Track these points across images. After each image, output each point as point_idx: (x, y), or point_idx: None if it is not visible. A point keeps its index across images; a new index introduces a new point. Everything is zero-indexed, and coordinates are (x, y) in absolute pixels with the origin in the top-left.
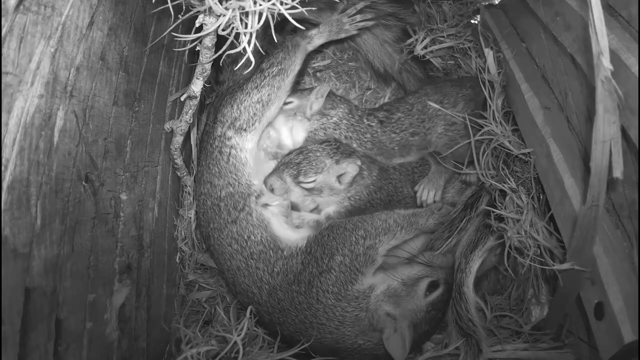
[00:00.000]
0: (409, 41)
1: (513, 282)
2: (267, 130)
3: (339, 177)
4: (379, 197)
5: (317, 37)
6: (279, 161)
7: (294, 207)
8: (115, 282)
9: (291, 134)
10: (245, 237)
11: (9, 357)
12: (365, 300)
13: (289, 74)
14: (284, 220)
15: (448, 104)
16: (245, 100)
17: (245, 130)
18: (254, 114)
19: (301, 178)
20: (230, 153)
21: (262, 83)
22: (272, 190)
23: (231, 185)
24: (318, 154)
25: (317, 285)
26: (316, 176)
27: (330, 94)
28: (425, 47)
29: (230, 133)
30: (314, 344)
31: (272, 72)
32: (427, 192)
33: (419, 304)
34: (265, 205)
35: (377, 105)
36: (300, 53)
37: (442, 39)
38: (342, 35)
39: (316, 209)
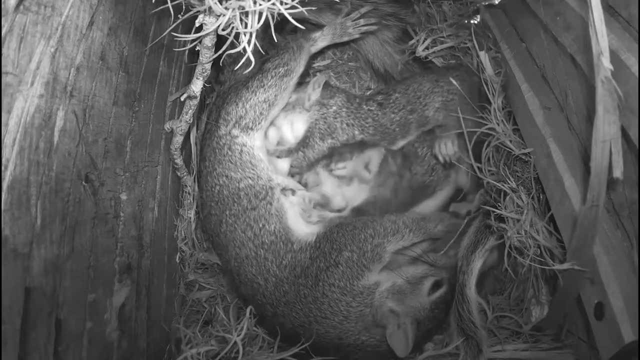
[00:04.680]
0: (411, 42)
1: (513, 282)
2: (270, 128)
3: (366, 165)
4: (404, 184)
5: (321, 40)
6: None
7: (322, 203)
8: (115, 282)
9: (292, 128)
10: (260, 226)
11: (9, 357)
12: (370, 296)
13: (293, 75)
14: (300, 213)
15: (444, 83)
16: (251, 99)
17: (251, 129)
18: (260, 113)
19: (332, 165)
20: (242, 150)
21: (269, 83)
22: (305, 185)
23: (250, 178)
24: (345, 147)
25: (323, 279)
26: (346, 162)
27: (327, 85)
28: (426, 48)
29: (236, 132)
30: (317, 340)
31: (279, 72)
32: (444, 145)
33: (422, 302)
34: (290, 191)
35: (372, 92)
36: (304, 55)
37: (442, 39)
38: (346, 39)
39: (344, 209)
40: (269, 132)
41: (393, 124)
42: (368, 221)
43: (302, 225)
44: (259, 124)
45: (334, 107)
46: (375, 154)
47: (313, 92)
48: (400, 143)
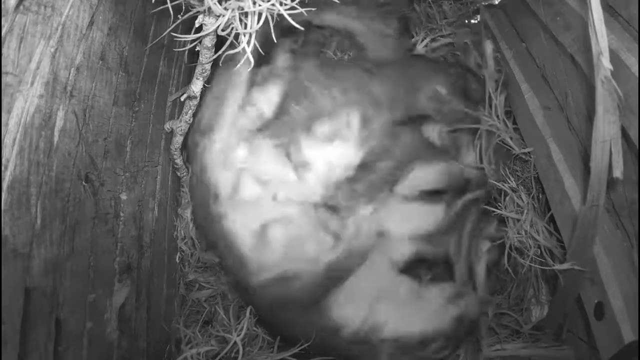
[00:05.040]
0: (413, 41)
1: (513, 282)
2: (243, 110)
3: (347, 123)
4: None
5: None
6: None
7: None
8: (115, 282)
9: (269, 100)
10: (223, 246)
11: (9, 357)
12: (367, 335)
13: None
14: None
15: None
16: (200, 100)
17: (211, 130)
18: (214, 112)
19: (311, 125)
20: (202, 161)
21: (216, 80)
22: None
23: (203, 197)
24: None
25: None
26: (323, 119)
27: (297, 50)
28: (426, 46)
29: (197, 137)
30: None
31: (224, 65)
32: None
33: (423, 356)
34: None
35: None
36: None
37: (442, 38)
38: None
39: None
40: (248, 111)
41: (383, 94)
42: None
43: (254, 252)
44: (216, 122)
45: (307, 69)
46: (355, 107)
47: (280, 58)
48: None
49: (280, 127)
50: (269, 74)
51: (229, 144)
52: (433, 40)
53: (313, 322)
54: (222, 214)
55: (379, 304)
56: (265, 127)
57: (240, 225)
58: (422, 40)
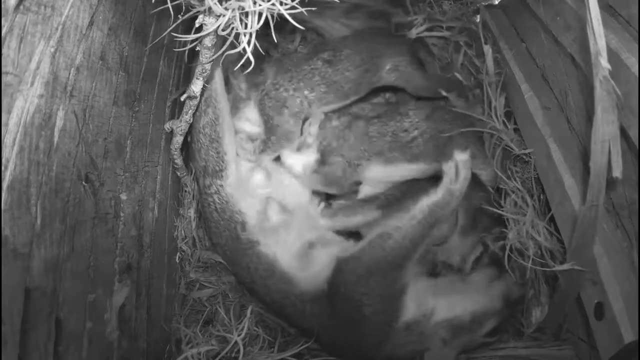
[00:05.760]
0: (410, 18)
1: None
2: (237, 140)
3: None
4: (358, 131)
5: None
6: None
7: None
8: (115, 282)
9: (250, 122)
10: (253, 268)
11: (9, 357)
12: (420, 327)
13: (219, 98)
14: (297, 251)
15: (393, 51)
16: (202, 147)
17: (221, 169)
18: (217, 151)
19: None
20: (214, 200)
21: (205, 121)
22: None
23: (229, 229)
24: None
25: (352, 330)
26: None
27: (254, 66)
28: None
29: (208, 181)
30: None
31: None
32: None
33: (474, 339)
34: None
35: (310, 48)
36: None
37: (440, 29)
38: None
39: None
40: (242, 139)
41: (349, 83)
42: (381, 252)
43: (301, 271)
44: (223, 160)
45: (269, 80)
46: (314, 117)
47: (238, 82)
48: (352, 99)
49: (275, 143)
50: (239, 100)
51: (242, 174)
52: (429, 29)
53: (388, 297)
54: (255, 240)
55: (423, 295)
56: (263, 144)
57: (280, 249)
58: (422, 25)
